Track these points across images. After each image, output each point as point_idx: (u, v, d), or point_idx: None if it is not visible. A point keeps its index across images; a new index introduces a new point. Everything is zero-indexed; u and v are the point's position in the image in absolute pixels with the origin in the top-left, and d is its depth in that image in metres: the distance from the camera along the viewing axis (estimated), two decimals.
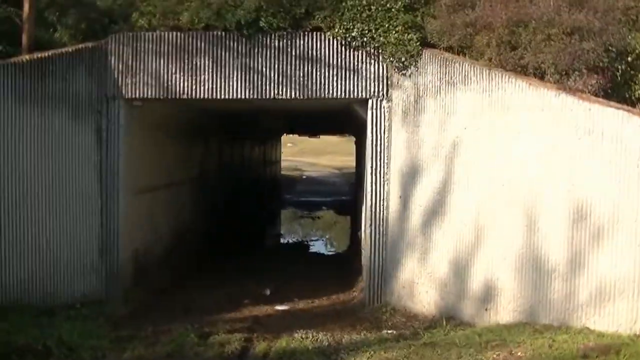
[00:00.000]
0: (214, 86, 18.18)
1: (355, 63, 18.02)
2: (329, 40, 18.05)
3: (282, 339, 15.47)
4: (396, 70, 17.63)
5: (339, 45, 18.03)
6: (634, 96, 14.45)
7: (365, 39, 17.81)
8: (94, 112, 18.05)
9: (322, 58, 18.07)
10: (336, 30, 17.87)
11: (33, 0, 17.87)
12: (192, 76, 18.19)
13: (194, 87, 18.20)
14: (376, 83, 17.94)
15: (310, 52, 18.11)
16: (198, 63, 18.20)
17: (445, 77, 16.47)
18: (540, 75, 14.79)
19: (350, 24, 17.78)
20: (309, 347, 14.82)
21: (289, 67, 18.13)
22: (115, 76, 18.20)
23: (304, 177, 74.63)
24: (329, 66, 18.05)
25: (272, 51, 18.16)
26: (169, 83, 18.21)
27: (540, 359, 11.70)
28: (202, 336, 15.51)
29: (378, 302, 18.06)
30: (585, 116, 13.19)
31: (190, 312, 18.35)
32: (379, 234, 18.08)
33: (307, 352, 14.35)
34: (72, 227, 17.78)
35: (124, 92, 18.21)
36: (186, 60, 18.21)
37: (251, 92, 18.19)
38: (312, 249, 34.88)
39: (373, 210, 18.10)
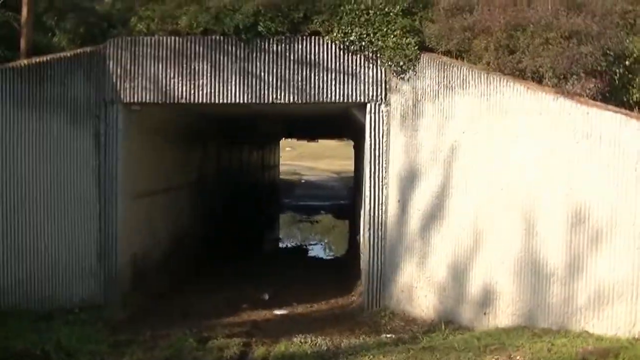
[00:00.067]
0: (213, 91, 18.19)
1: (354, 67, 18.03)
2: (327, 44, 18.07)
3: (280, 343, 15.46)
4: (394, 74, 17.65)
5: (337, 50, 18.04)
6: (632, 100, 14.44)
7: (363, 43, 17.82)
8: (92, 116, 18.07)
9: (321, 62, 18.09)
10: (334, 34, 17.89)
11: (31, 4, 17.86)
12: (190, 81, 18.20)
13: (192, 91, 18.21)
14: (374, 87, 17.95)
15: (308, 56, 18.13)
16: (196, 67, 18.21)
17: (444, 81, 16.49)
18: (538, 79, 14.80)
19: (349, 28, 17.80)
20: (307, 352, 14.81)
21: (287, 71, 18.15)
22: (114, 81, 18.21)
23: (303, 181, 74.69)
24: (327, 70, 18.06)
25: (271, 55, 18.18)
26: (168, 87, 18.22)
27: None
28: (201, 341, 15.49)
29: (377, 306, 18.06)
30: (583, 120, 13.20)
31: (189, 316, 18.33)
32: (378, 238, 18.08)
33: (306, 356, 14.33)
34: (71, 232, 17.78)
35: (122, 96, 18.22)
36: (185, 65, 18.22)
37: (250, 96, 18.20)
38: (311, 253, 34.89)
39: (371, 214, 18.10)
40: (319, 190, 64.22)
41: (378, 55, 17.82)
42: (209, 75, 18.20)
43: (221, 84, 18.19)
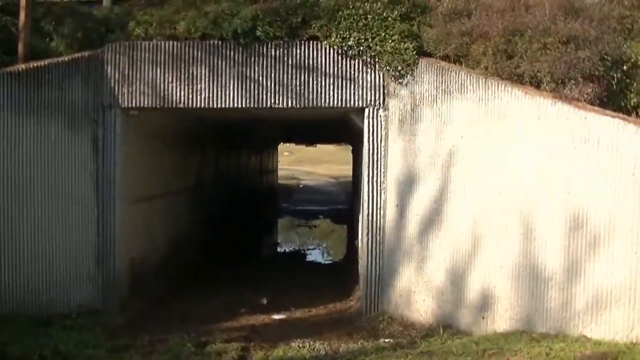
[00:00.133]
0: (211, 95, 18.18)
1: (352, 72, 18.03)
2: (325, 49, 18.07)
3: (279, 348, 15.49)
4: (392, 79, 17.65)
5: (336, 54, 18.04)
6: (630, 104, 14.44)
7: (361, 48, 17.82)
8: (90, 121, 18.05)
9: (319, 67, 18.09)
10: (333, 39, 17.89)
11: (29, 9, 17.86)
12: (188, 85, 18.19)
13: (190, 96, 18.20)
14: (372, 92, 17.95)
15: (306, 61, 18.13)
16: (194, 72, 18.20)
17: (442, 86, 16.50)
18: (536, 84, 14.81)
19: (347, 32, 17.80)
20: (306, 356, 14.84)
21: (285, 76, 18.14)
22: (112, 85, 18.20)
23: (301, 185, 74.62)
24: (325, 75, 18.06)
25: (269, 60, 18.16)
26: (166, 92, 18.21)
27: None
28: (199, 345, 15.52)
29: (375, 310, 18.03)
30: (581, 125, 13.21)
31: (187, 321, 18.31)
32: (376, 242, 18.07)
33: None
34: (69, 236, 17.75)
35: (120, 101, 18.21)
36: (183, 70, 18.21)
37: (248, 101, 18.20)
38: (309, 258, 34.85)
39: (370, 219, 18.09)
40: (317, 195, 64.19)
41: (376, 60, 17.82)
42: (207, 79, 18.19)
43: (219, 89, 18.18)
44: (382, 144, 17.93)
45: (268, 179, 51.61)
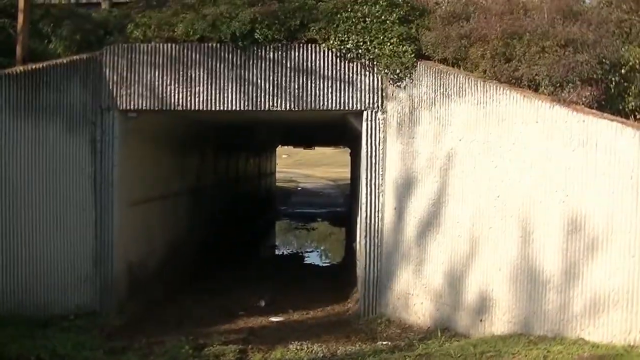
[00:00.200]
0: (209, 98, 18.19)
1: (350, 75, 18.04)
2: (323, 52, 18.08)
3: (277, 350, 15.51)
4: (391, 82, 17.67)
5: (334, 57, 18.06)
6: (628, 108, 14.46)
7: (360, 51, 17.84)
8: (88, 123, 18.05)
9: (317, 70, 18.10)
10: (331, 42, 17.90)
11: (27, 11, 17.85)
12: (186, 88, 18.20)
13: (188, 98, 18.21)
14: (371, 95, 17.97)
15: (305, 63, 18.14)
16: (193, 75, 18.21)
17: (440, 89, 16.51)
18: (534, 87, 14.82)
19: (345, 35, 17.81)
20: (303, 359, 14.87)
21: (283, 78, 18.15)
22: (110, 87, 18.20)
23: (299, 188, 74.74)
24: (323, 78, 18.07)
25: (267, 63, 18.17)
26: (164, 94, 18.21)
27: None
28: (197, 348, 15.53)
29: (373, 313, 18.04)
30: (579, 128, 13.22)
31: (185, 323, 18.34)
32: (374, 245, 18.08)
33: None
34: (67, 239, 17.75)
35: (118, 103, 18.21)
36: (181, 72, 18.22)
37: (246, 103, 18.21)
38: (307, 261, 34.86)
39: (368, 221, 18.10)
40: (315, 198, 64.28)
41: (374, 62, 17.84)
42: (205, 82, 18.20)
43: (217, 91, 18.20)
44: (381, 146, 17.94)
45: (266, 181, 51.60)
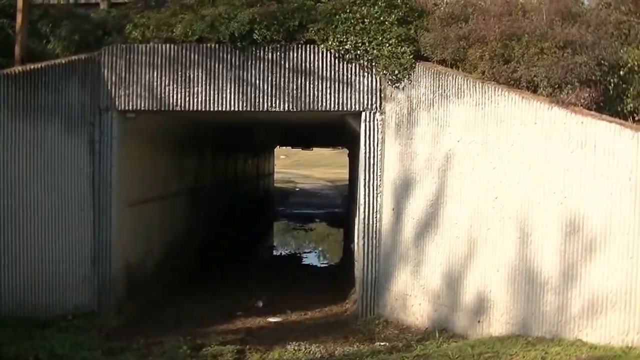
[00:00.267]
0: (207, 98, 18.18)
1: (349, 76, 18.04)
2: (322, 52, 18.08)
3: (274, 350, 15.51)
4: (389, 83, 17.67)
5: (333, 58, 18.06)
6: (626, 109, 14.46)
7: (358, 52, 17.84)
8: (86, 123, 18.04)
9: (316, 71, 18.10)
10: (330, 43, 17.90)
11: (26, 11, 17.86)
12: (185, 88, 18.19)
13: (187, 99, 18.20)
14: (369, 96, 17.97)
15: (303, 64, 18.14)
16: (191, 75, 18.21)
17: (439, 90, 16.51)
18: (533, 88, 14.82)
19: (344, 36, 17.82)
20: (301, 359, 14.83)
21: (282, 79, 18.15)
22: (109, 88, 18.20)
23: (297, 189, 74.76)
24: (322, 79, 18.07)
25: (266, 63, 18.17)
26: (162, 95, 18.21)
27: None
28: (195, 348, 15.53)
29: (371, 314, 18.05)
30: (578, 129, 13.22)
31: (183, 323, 18.35)
32: (372, 246, 18.09)
33: None
34: (65, 239, 17.74)
35: (117, 103, 18.21)
36: (179, 73, 18.22)
37: (244, 104, 18.20)
38: (305, 261, 34.86)
39: (366, 222, 18.11)
40: (313, 199, 64.31)
41: (373, 63, 17.84)
42: (204, 82, 18.19)
43: (216, 92, 18.19)
44: (379, 147, 17.95)
45: (264, 182, 51.60)
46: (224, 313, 19.72)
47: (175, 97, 18.20)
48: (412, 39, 17.56)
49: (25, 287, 17.19)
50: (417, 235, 16.92)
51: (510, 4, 16.93)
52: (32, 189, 17.26)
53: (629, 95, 14.55)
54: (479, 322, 15.16)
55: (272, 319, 19.23)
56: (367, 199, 18.06)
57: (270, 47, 18.13)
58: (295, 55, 18.17)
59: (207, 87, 18.18)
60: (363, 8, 17.84)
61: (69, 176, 17.79)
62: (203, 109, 18.26)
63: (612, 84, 14.48)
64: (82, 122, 17.98)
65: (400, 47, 17.44)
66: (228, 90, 18.17)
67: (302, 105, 18.17)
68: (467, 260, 15.58)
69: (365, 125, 18.04)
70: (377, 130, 17.96)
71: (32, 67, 17.43)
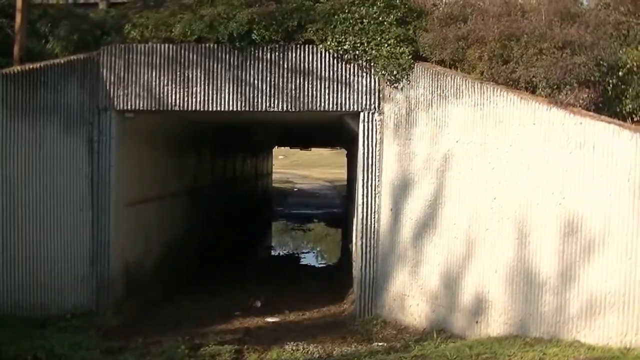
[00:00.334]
0: (206, 98, 18.19)
1: (347, 76, 18.04)
2: (321, 53, 18.08)
3: (272, 350, 15.51)
4: (388, 83, 17.67)
5: (331, 58, 18.05)
6: (625, 110, 14.47)
7: (357, 52, 17.84)
8: (85, 123, 18.04)
9: (314, 71, 18.10)
10: (328, 43, 17.91)
11: (25, 11, 17.86)
12: (184, 88, 18.19)
13: (185, 99, 18.20)
14: (368, 96, 17.96)
15: (302, 64, 18.14)
16: (190, 75, 18.21)
17: (437, 90, 16.51)
18: (531, 89, 14.83)
19: (343, 37, 17.82)
20: (299, 359, 14.83)
21: (281, 79, 18.15)
22: (107, 88, 18.20)
23: (296, 189, 74.78)
24: (321, 79, 18.07)
25: (264, 64, 18.17)
26: (161, 95, 18.21)
27: None
28: (193, 348, 15.53)
29: (369, 314, 18.05)
30: (577, 130, 13.22)
31: (181, 323, 18.34)
32: (370, 246, 18.08)
33: None
34: (64, 239, 17.74)
35: (115, 103, 18.21)
36: (178, 72, 18.22)
37: (243, 104, 18.20)
38: (303, 261, 34.87)
39: (364, 222, 18.11)
40: (311, 199, 64.34)
41: (372, 64, 17.83)
42: (202, 82, 18.19)
43: (215, 92, 18.19)
44: (377, 148, 17.95)
45: (263, 182, 51.61)
46: (222, 313, 19.72)
47: (174, 97, 18.20)
48: (411, 40, 17.56)
49: (24, 286, 17.19)
50: (416, 235, 16.92)
51: (509, 5, 16.94)
52: (31, 188, 17.26)
53: (627, 96, 14.56)
54: (477, 322, 15.17)
55: (270, 319, 19.23)
56: (365, 199, 18.07)
57: (268, 47, 18.13)
58: (293, 55, 18.17)
59: (206, 87, 18.18)
60: (362, 8, 17.84)
61: (68, 176, 17.79)
62: (202, 109, 18.27)
63: (611, 85, 14.50)
64: (80, 121, 17.98)
65: (398, 48, 17.44)
66: (227, 90, 18.18)
67: (301, 105, 18.17)
68: (465, 260, 15.58)
69: (364, 125, 18.04)
70: (376, 131, 17.96)
71: (31, 66, 17.43)
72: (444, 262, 16.16)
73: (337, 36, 17.83)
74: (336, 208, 52.85)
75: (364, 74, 17.97)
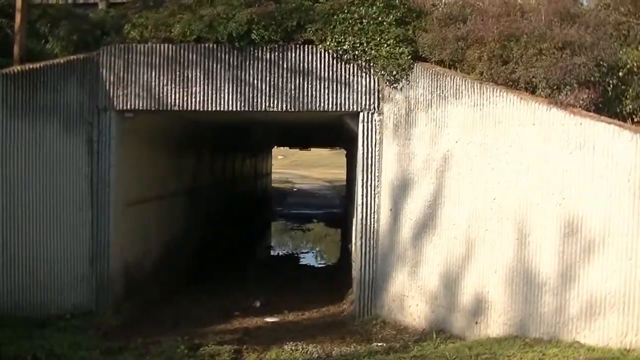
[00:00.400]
0: (205, 98, 18.19)
1: (347, 76, 18.04)
2: (320, 53, 18.08)
3: (272, 350, 15.51)
4: (387, 83, 17.66)
5: (331, 58, 18.05)
6: (625, 111, 14.46)
7: (356, 52, 17.84)
8: (85, 123, 18.04)
9: (314, 71, 18.10)
10: (328, 43, 17.91)
11: (25, 11, 17.85)
12: (183, 88, 18.19)
13: (185, 99, 18.20)
14: (367, 96, 17.96)
15: (301, 64, 18.13)
16: (189, 75, 18.21)
17: (437, 90, 16.50)
18: (531, 89, 14.82)
19: (342, 37, 17.81)
20: (298, 359, 14.82)
21: (280, 79, 18.15)
22: (107, 88, 18.20)
23: (295, 189, 74.75)
24: (320, 79, 18.06)
25: (264, 64, 18.17)
26: (161, 95, 18.21)
27: None
28: (192, 348, 15.54)
29: (368, 314, 18.04)
30: (577, 130, 13.22)
31: (181, 323, 18.35)
32: (370, 246, 18.08)
33: None
34: (63, 239, 17.73)
35: (115, 103, 18.21)
36: (178, 72, 18.22)
37: (242, 104, 18.20)
38: (303, 262, 34.86)
39: (363, 223, 18.10)
40: (311, 199, 64.32)
41: (371, 64, 17.83)
42: (202, 82, 18.19)
43: (214, 92, 18.19)
44: (377, 148, 17.94)
45: (262, 182, 51.60)
46: (221, 313, 19.73)
47: (173, 97, 18.20)
48: (410, 40, 17.55)
49: (24, 286, 17.18)
50: (415, 235, 16.91)
51: (509, 5, 16.93)
52: (31, 188, 17.25)
53: (628, 96, 14.55)
54: (476, 323, 15.16)
55: (269, 319, 19.23)
56: (364, 200, 18.06)
57: (268, 47, 18.13)
58: (293, 55, 18.17)
59: (205, 87, 18.19)
60: (361, 8, 17.84)
61: (68, 176, 17.79)
62: (201, 109, 18.27)
63: (611, 85, 14.49)
64: (80, 121, 17.98)
65: (398, 48, 17.44)
66: (226, 90, 18.18)
67: (300, 105, 18.17)
68: (464, 261, 15.58)
69: (363, 125, 18.03)
70: (375, 131, 17.95)
71: (30, 66, 17.42)
72: (443, 263, 16.15)
73: (337, 36, 17.83)
74: (335, 208, 52.84)
75: (364, 74, 17.97)
